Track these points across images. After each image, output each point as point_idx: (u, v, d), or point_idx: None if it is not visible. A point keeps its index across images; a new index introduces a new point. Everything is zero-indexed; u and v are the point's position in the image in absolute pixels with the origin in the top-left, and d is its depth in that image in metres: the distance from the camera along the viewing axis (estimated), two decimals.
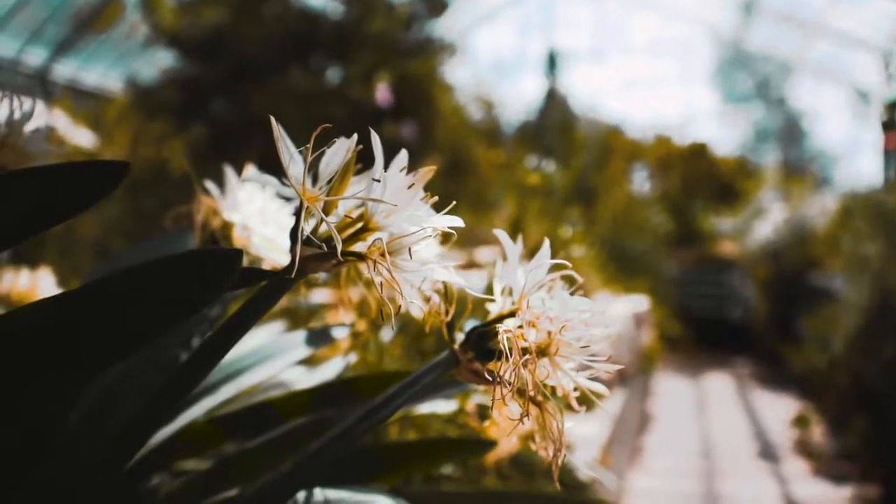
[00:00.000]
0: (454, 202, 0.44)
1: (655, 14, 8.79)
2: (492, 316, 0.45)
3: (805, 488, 3.03)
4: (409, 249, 0.39)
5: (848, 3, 5.67)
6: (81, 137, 2.76)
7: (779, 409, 4.17)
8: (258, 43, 3.12)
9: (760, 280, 5.35)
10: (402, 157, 0.43)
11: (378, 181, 0.38)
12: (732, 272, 6.27)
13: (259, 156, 3.40)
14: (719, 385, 5.25)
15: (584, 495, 1.47)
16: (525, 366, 0.38)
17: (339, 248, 0.36)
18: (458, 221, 0.41)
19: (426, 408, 0.68)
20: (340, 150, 0.41)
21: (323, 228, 0.42)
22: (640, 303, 3.20)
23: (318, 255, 0.40)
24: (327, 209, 0.43)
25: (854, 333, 2.70)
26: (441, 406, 0.67)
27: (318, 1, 3.47)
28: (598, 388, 0.46)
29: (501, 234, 0.46)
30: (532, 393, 0.40)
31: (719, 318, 6.19)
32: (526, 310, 0.40)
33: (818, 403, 3.89)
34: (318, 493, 0.50)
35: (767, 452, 3.57)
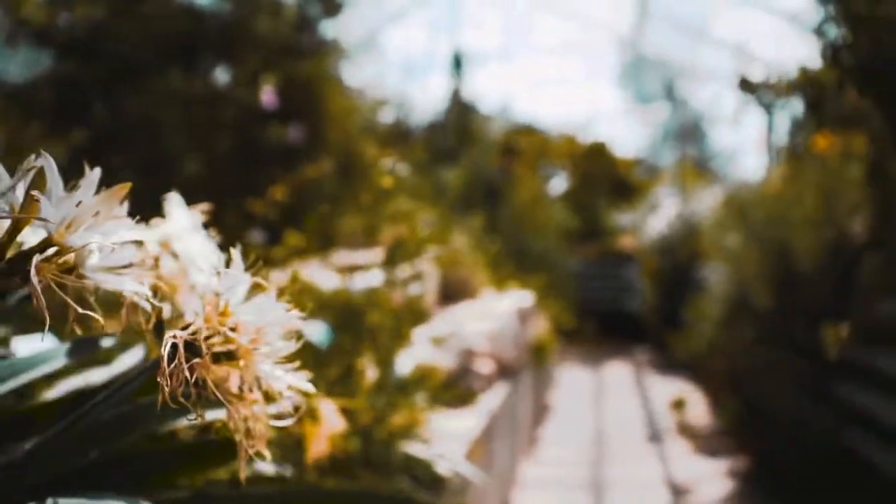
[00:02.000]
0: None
1: (561, 16, 9.09)
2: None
3: (685, 466, 3.24)
4: (83, 262, 0.41)
5: (730, 12, 6.10)
6: None
7: (670, 394, 4.43)
8: (138, 41, 3.01)
9: (652, 272, 5.64)
10: (95, 174, 0.45)
11: (37, 200, 0.40)
12: (630, 266, 6.58)
13: (144, 159, 3.28)
14: (617, 373, 5.49)
15: (440, 490, 1.52)
16: (193, 370, 0.41)
17: None
18: (142, 234, 0.43)
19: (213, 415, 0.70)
20: (19, 174, 0.43)
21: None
22: (524, 298, 3.32)
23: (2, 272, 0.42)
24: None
25: (720, 320, 2.92)
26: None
27: None
28: (306, 387, 0.50)
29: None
30: (214, 391, 0.43)
31: (619, 310, 6.49)
32: (205, 316, 0.43)
33: (701, 385, 4.17)
34: (50, 502, 0.51)
35: (655, 435, 3.78)
